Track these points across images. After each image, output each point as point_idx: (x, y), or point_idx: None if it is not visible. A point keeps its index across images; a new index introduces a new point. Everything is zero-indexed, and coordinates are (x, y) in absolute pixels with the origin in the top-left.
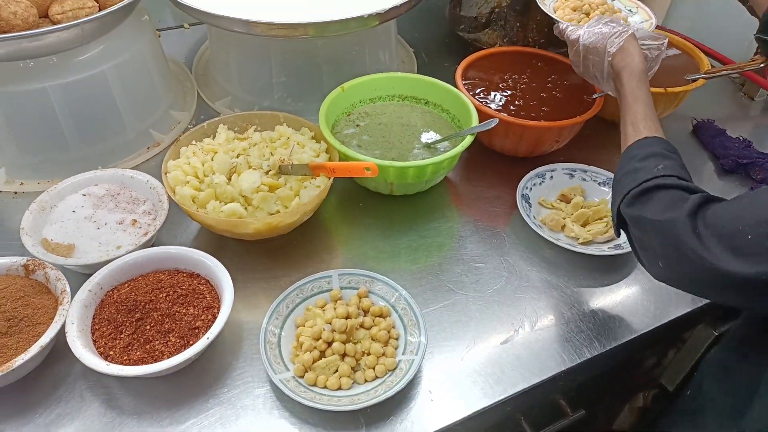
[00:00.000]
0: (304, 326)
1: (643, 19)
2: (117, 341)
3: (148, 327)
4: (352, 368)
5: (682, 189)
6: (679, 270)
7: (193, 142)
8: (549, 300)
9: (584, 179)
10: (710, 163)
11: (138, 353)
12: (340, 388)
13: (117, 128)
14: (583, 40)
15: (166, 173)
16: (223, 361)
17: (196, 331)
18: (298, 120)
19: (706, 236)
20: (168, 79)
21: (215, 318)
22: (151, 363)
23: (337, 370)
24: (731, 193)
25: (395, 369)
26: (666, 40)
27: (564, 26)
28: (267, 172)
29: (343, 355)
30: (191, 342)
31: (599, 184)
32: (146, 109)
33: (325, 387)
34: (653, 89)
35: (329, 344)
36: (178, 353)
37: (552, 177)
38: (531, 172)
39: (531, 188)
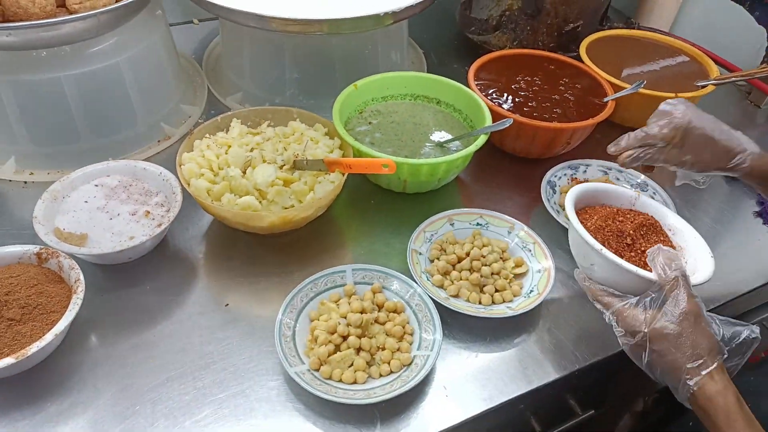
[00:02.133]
0: (318, 320)
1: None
2: None
3: None
4: (367, 363)
5: None
6: None
7: (207, 135)
8: (563, 298)
9: (618, 179)
10: None
11: None
12: (355, 382)
13: (128, 120)
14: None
15: (180, 165)
16: (236, 355)
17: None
18: (312, 116)
19: None
20: (179, 74)
21: None
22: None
23: (352, 364)
24: (738, 198)
25: (410, 364)
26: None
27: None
28: (281, 167)
29: (359, 350)
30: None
31: (632, 186)
32: (158, 103)
33: (340, 381)
34: (662, 94)
35: (344, 338)
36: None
37: (585, 171)
38: (564, 162)
39: (560, 177)
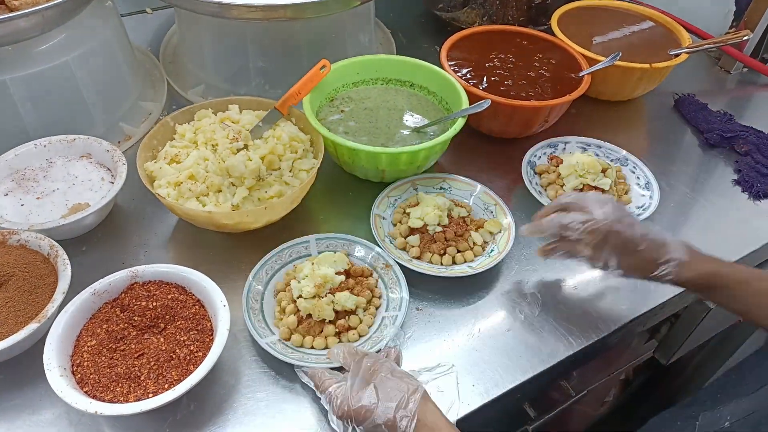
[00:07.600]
0: (285, 291)
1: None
2: None
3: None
4: (337, 328)
5: None
6: None
7: (175, 124)
8: (551, 281)
9: (597, 155)
10: (693, 137)
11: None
12: (326, 348)
13: (85, 123)
14: None
15: (142, 166)
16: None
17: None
18: None
19: None
20: (135, 68)
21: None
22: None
23: (322, 331)
24: (715, 166)
25: (380, 325)
26: None
27: None
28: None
29: (327, 316)
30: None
31: (612, 161)
32: (115, 101)
33: (312, 348)
34: (638, 65)
35: (312, 305)
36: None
37: (565, 148)
38: (542, 141)
39: (540, 156)
